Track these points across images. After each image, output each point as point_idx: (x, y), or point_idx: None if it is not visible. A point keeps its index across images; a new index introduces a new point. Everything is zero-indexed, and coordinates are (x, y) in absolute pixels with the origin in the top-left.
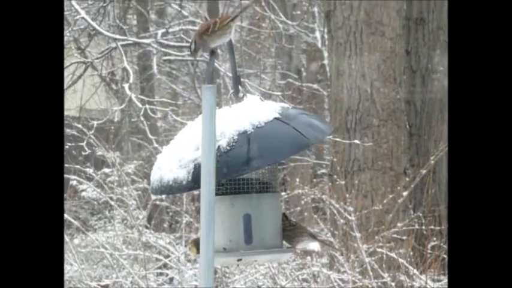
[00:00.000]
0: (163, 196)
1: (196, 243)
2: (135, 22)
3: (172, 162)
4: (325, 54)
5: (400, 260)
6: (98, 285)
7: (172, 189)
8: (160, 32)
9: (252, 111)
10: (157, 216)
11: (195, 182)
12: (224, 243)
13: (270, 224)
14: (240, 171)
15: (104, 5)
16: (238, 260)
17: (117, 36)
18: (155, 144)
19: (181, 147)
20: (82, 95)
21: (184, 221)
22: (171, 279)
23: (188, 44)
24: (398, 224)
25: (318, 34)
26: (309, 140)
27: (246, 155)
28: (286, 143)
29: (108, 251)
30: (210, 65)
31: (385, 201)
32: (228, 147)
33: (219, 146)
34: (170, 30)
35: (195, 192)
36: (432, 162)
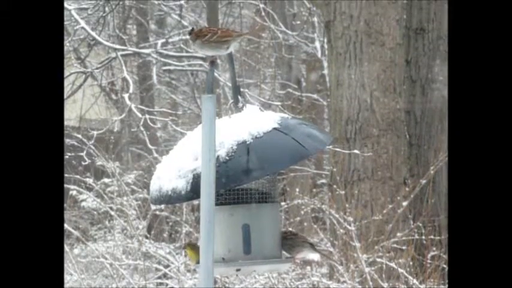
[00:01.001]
0: (163, 206)
1: (192, 247)
2: (134, 32)
3: (171, 172)
4: (325, 64)
5: (400, 270)
6: None
7: (171, 199)
8: (160, 42)
9: (251, 122)
10: (157, 226)
11: (193, 192)
12: (223, 253)
13: (269, 234)
14: (238, 182)
15: (104, 15)
16: (237, 270)
17: (117, 46)
18: (155, 154)
19: (180, 157)
20: (82, 105)
21: (184, 231)
22: None
23: (188, 54)
24: (398, 234)
25: (317, 44)
26: (308, 150)
27: (245, 166)
28: (285, 154)
29: (108, 261)
30: (209, 75)
31: (384, 211)
32: (227, 158)
33: (218, 156)
34: (170, 40)
35: (195, 202)
36: (432, 172)
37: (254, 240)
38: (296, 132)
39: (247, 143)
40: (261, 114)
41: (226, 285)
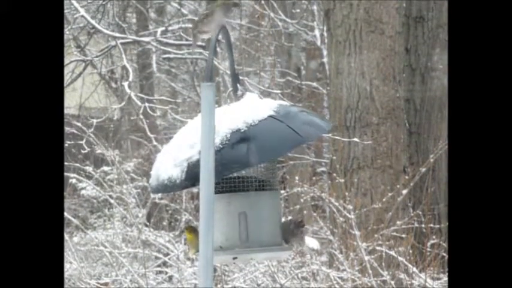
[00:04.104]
0: (160, 194)
1: (191, 230)
2: (134, 20)
3: (168, 161)
4: (325, 52)
5: (400, 258)
6: (98, 283)
7: (167, 188)
8: (159, 30)
9: (247, 110)
10: (157, 214)
11: (188, 180)
12: (221, 242)
13: (267, 222)
14: (232, 169)
15: (104, 3)
16: (234, 258)
17: (117, 35)
18: (154, 143)
19: (177, 146)
20: (81, 93)
21: (183, 219)
22: (171, 277)
23: (187, 42)
24: (398, 222)
25: (317, 32)
26: (303, 138)
27: (238, 154)
28: (279, 141)
29: (108, 249)
30: (209, 63)
31: (384, 200)
32: (221, 146)
33: None
34: (169, 28)
35: (194, 190)
36: (431, 160)
37: (251, 228)
38: (292, 120)
39: (242, 131)
40: (259, 102)
41: (226, 273)
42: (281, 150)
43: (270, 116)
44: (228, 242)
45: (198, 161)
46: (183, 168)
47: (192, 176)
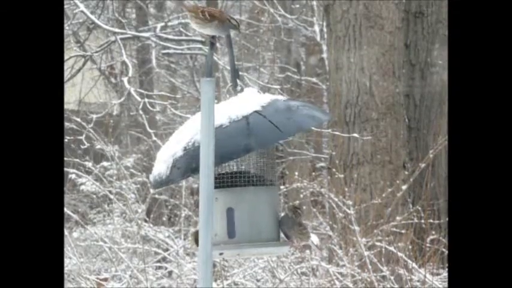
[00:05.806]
0: (162, 189)
1: (196, 237)
2: (134, 16)
3: (161, 157)
4: (324, 47)
5: (399, 254)
6: (97, 278)
7: (157, 184)
8: (159, 25)
9: (235, 105)
10: (156, 209)
11: (172, 176)
12: (210, 237)
13: (257, 218)
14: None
15: None
16: (220, 254)
17: (116, 30)
18: (154, 138)
19: (170, 142)
20: (81, 89)
21: (183, 215)
22: (170, 272)
23: (187, 38)
24: (397, 218)
25: (316, 28)
26: (284, 133)
27: (217, 150)
28: (256, 137)
29: (107, 245)
30: (208, 59)
31: (384, 195)
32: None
33: (194, 142)
34: (169, 23)
35: (194, 185)
36: (431, 156)
37: (239, 224)
38: (277, 115)
39: (223, 127)
40: (250, 98)
41: (225, 268)
42: (260, 146)
43: (256, 111)
44: (217, 237)
45: (180, 157)
46: (169, 164)
47: (175, 171)
